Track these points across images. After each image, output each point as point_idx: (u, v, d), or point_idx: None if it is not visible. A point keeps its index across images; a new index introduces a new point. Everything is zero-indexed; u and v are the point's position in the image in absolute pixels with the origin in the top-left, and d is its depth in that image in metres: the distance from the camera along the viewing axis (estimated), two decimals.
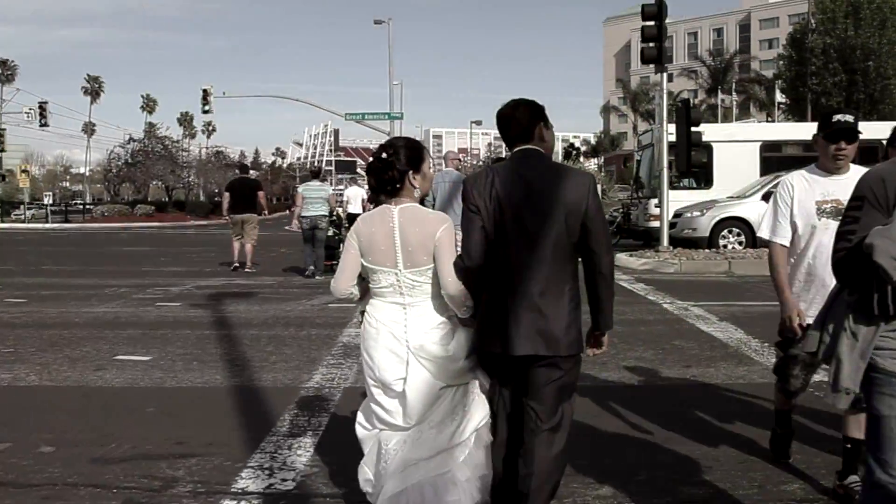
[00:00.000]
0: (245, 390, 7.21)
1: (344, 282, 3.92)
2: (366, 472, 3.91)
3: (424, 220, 3.81)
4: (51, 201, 58.31)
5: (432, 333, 3.79)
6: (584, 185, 3.73)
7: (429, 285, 3.81)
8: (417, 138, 4.96)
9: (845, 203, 4.29)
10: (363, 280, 3.97)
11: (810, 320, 4.20)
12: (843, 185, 4.44)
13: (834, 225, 4.24)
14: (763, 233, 4.90)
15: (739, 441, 5.66)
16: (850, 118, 4.59)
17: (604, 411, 6.43)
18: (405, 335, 3.79)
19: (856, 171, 4.49)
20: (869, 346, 3.01)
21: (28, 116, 48.80)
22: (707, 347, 8.95)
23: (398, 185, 3.85)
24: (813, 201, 4.70)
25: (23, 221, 50.69)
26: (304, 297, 13.21)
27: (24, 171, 51.57)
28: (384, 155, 3.87)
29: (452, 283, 3.71)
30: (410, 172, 3.86)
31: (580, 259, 3.80)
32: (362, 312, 4.02)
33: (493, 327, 3.74)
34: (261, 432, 5.87)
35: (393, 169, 3.83)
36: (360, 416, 4.02)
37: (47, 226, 47.77)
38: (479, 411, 3.88)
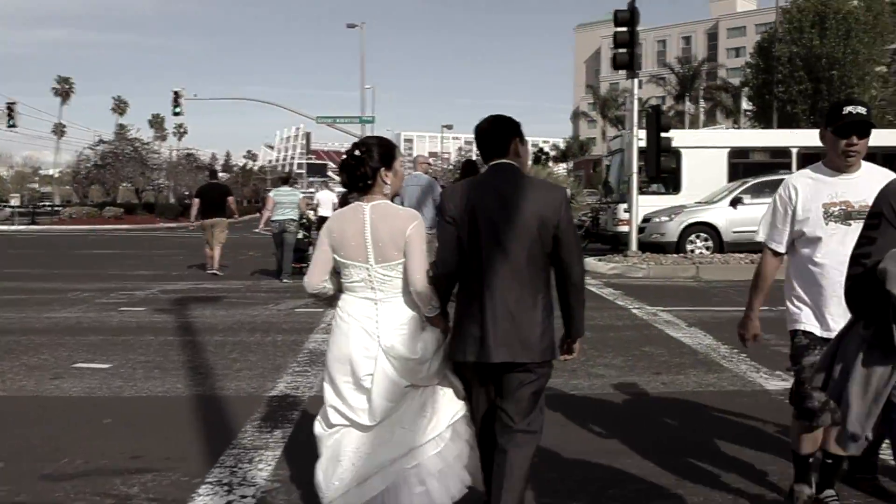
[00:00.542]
0: (207, 400, 6.97)
1: (316, 276, 4.00)
2: (324, 472, 3.89)
3: (395, 217, 3.91)
4: (18, 203, 57.41)
5: (402, 330, 3.86)
6: (557, 198, 3.87)
7: (399, 280, 3.89)
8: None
9: (855, 205, 4.03)
10: (336, 275, 4.03)
11: (827, 333, 4.01)
12: (854, 184, 4.08)
13: (843, 230, 4.04)
14: (759, 235, 4.41)
15: (711, 452, 5.50)
16: (862, 110, 4.05)
17: (573, 422, 6.25)
18: (377, 331, 3.86)
19: (868, 170, 4.16)
20: (886, 388, 2.63)
21: None
22: (676, 354, 8.82)
23: (370, 182, 3.93)
24: (819, 204, 4.13)
25: None
26: (272, 302, 12.95)
27: None
28: (357, 152, 3.96)
29: (420, 280, 3.80)
30: (382, 169, 3.95)
31: (552, 269, 3.92)
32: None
33: (469, 335, 3.81)
34: (221, 444, 5.64)
35: (365, 165, 3.91)
36: (319, 417, 4.04)
37: (13, 228, 46.90)
38: (450, 406, 3.96)
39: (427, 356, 3.87)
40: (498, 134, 3.98)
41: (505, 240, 3.77)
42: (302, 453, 5.40)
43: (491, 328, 3.75)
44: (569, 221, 3.89)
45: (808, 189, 4.19)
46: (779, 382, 7.49)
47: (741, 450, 5.52)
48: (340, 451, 3.85)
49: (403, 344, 3.83)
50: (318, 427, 3.99)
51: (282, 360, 8.48)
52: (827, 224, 4.12)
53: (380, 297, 3.90)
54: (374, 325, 3.86)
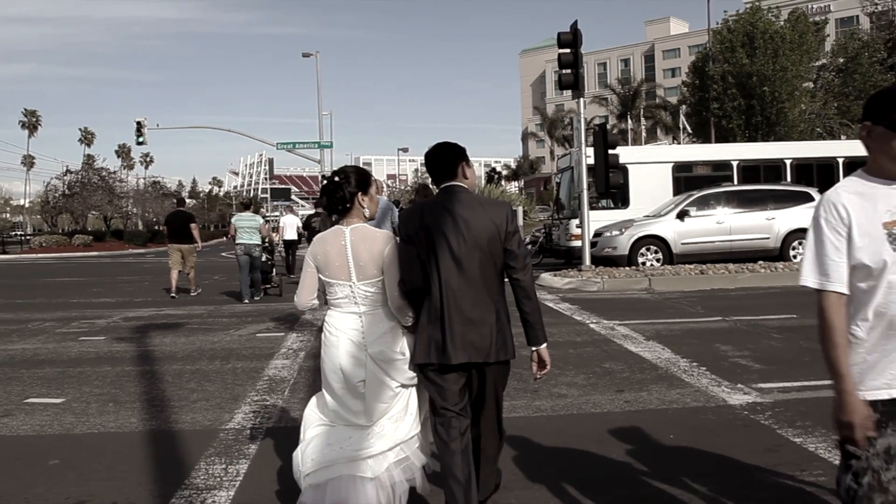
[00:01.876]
0: (160, 434, 6.37)
1: (305, 296, 4.24)
2: (307, 453, 4.06)
3: (373, 239, 4.10)
4: None
5: (386, 337, 4.07)
6: (502, 213, 4.06)
7: (380, 294, 4.08)
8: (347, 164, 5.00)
9: None
10: (323, 293, 4.24)
11: (885, 393, 2.91)
12: None
13: None
14: (807, 279, 3.02)
15: (679, 476, 5.04)
16: None
17: (537, 445, 5.77)
18: (363, 340, 4.05)
19: None
20: None
21: None
22: (637, 369, 8.37)
23: (348, 205, 4.16)
24: (879, 224, 2.92)
25: None
26: (233, 328, 12.31)
27: None
28: (336, 178, 4.19)
29: (397, 297, 4.02)
30: (359, 194, 4.16)
31: (506, 278, 4.12)
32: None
33: (432, 340, 3.99)
34: (172, 485, 5.08)
35: (343, 190, 4.14)
36: (311, 405, 4.26)
37: None
38: (424, 405, 4.19)
39: (410, 355, 4.09)
40: (445, 159, 4.19)
41: (459, 254, 3.98)
42: (256, 494, 4.87)
43: (450, 333, 3.96)
44: (514, 232, 4.06)
45: (861, 206, 2.97)
46: (741, 396, 7.09)
47: (710, 472, 5.08)
48: (327, 440, 4.05)
49: (388, 347, 4.05)
50: (310, 412, 4.21)
51: (240, 388, 7.90)
52: (894, 248, 2.94)
53: (363, 311, 4.09)
54: (360, 336, 4.06)
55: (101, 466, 5.59)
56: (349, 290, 4.07)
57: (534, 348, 4.13)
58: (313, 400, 4.30)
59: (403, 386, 4.09)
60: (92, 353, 10.26)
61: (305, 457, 4.05)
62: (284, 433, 6.26)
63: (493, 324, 4.01)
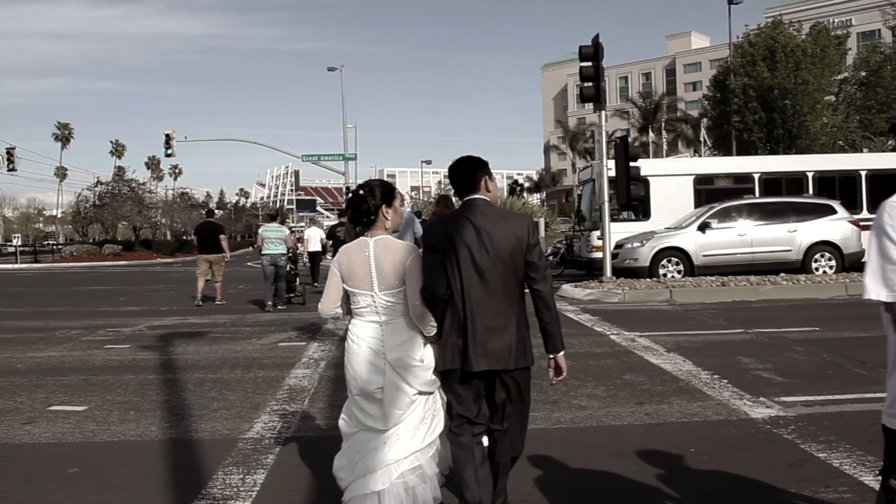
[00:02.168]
0: (179, 443, 6.30)
1: (329, 304, 4.30)
2: (341, 461, 4.22)
3: (396, 250, 4.16)
4: (20, 242, 56.33)
5: (405, 346, 4.11)
6: (524, 225, 4.16)
7: (401, 305, 4.13)
8: (373, 177, 5.19)
9: None
10: (346, 303, 4.30)
11: None
12: None
13: None
14: (875, 292, 2.87)
15: (699, 492, 4.90)
16: None
17: (555, 462, 5.63)
18: (383, 349, 4.11)
19: None
20: None
21: None
22: (658, 381, 8.22)
23: (372, 217, 4.23)
24: None
25: None
26: (255, 337, 12.26)
27: None
28: (361, 191, 4.27)
29: (419, 306, 4.07)
30: (383, 206, 4.23)
31: (526, 289, 4.16)
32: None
33: (455, 347, 4.06)
34: (189, 495, 5.00)
35: (367, 203, 4.21)
36: (343, 414, 4.34)
37: (15, 266, 45.92)
38: (442, 416, 4.22)
39: (430, 364, 4.13)
40: (468, 172, 4.27)
41: (481, 265, 4.06)
42: (274, 503, 4.79)
43: (472, 341, 4.03)
44: (535, 244, 4.15)
45: None
46: (763, 410, 6.92)
47: (731, 488, 4.94)
48: (358, 447, 4.13)
49: (406, 354, 4.10)
50: (343, 424, 4.30)
51: (261, 398, 7.82)
52: None
53: (384, 320, 4.14)
54: (380, 344, 4.13)
55: (120, 475, 5.52)
56: (371, 299, 4.15)
57: (551, 356, 4.22)
58: (344, 407, 4.38)
59: (420, 393, 4.13)
60: (116, 361, 10.24)
61: (337, 467, 4.24)
62: (303, 443, 6.18)
63: (514, 332, 4.08)
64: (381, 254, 4.14)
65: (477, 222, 4.11)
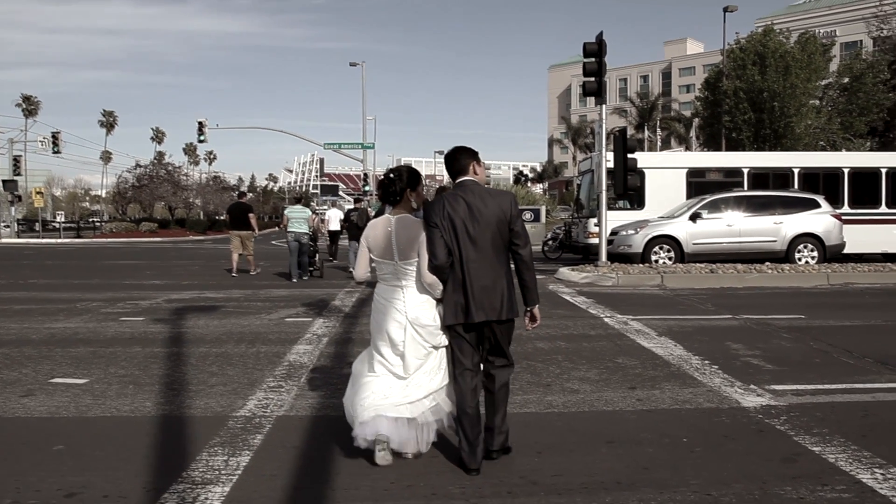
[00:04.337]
0: (171, 420, 5.72)
1: (361, 270, 4.79)
2: (350, 401, 4.63)
3: (412, 226, 4.58)
4: (63, 219, 55.93)
5: (423, 307, 4.56)
6: (507, 201, 4.64)
7: (416, 271, 4.53)
8: (390, 165, 5.16)
9: None
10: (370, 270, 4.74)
11: None
12: None
13: None
14: None
15: (693, 484, 4.30)
16: None
17: (548, 446, 5.04)
18: (404, 308, 4.54)
19: None
20: None
21: (42, 144, 46.74)
22: (650, 366, 7.61)
23: (398, 198, 4.66)
24: None
25: (38, 237, 48.18)
26: (265, 312, 11.69)
27: (38, 193, 48.88)
28: (392, 175, 4.67)
29: (427, 274, 4.48)
30: (408, 190, 4.67)
31: (510, 253, 4.64)
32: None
33: (458, 304, 4.50)
34: (169, 477, 4.43)
35: (396, 185, 4.64)
36: (359, 361, 4.80)
37: (58, 241, 45.47)
38: (449, 365, 4.64)
39: (440, 323, 4.56)
40: (461, 159, 4.69)
41: (474, 234, 4.50)
42: (253, 489, 4.22)
43: (472, 297, 4.49)
44: (517, 216, 4.61)
45: None
46: (755, 398, 6.31)
47: (725, 481, 4.34)
48: (373, 389, 4.53)
49: (424, 315, 4.54)
50: (359, 366, 4.73)
51: (259, 373, 7.25)
52: None
53: (404, 284, 4.57)
54: (402, 304, 4.55)
55: (104, 454, 4.94)
56: (393, 267, 4.58)
57: (528, 308, 4.75)
58: (362, 356, 4.82)
59: (434, 347, 4.58)
60: (128, 333, 9.68)
61: (356, 404, 4.53)
62: (293, 422, 5.62)
63: (504, 289, 4.54)
64: (400, 229, 4.55)
65: (468, 199, 4.54)
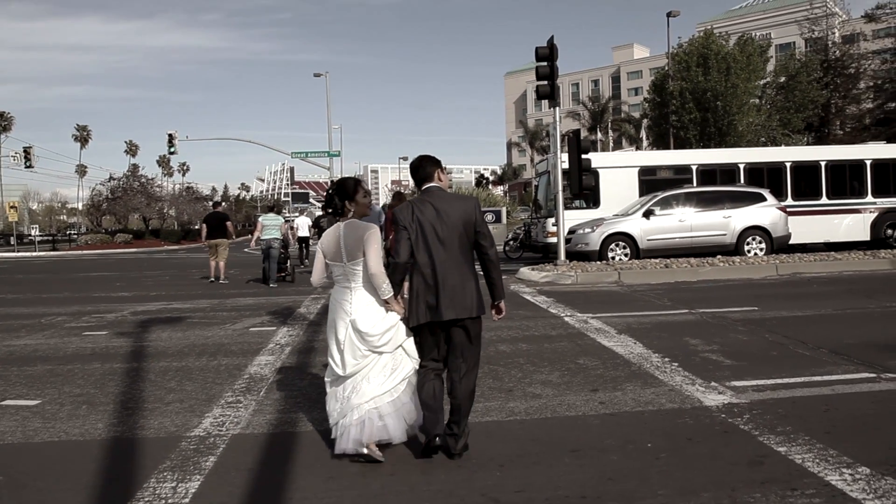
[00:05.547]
0: (121, 443, 5.22)
1: (317, 276, 4.87)
2: (331, 405, 4.66)
3: (358, 227, 4.67)
4: (38, 233, 54.33)
5: (367, 310, 4.57)
6: (471, 204, 4.71)
7: (362, 272, 4.57)
8: (358, 173, 5.52)
9: None
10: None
11: None
12: None
13: None
14: None
15: (660, 494, 3.93)
16: None
17: (511, 458, 4.64)
18: (350, 309, 4.60)
19: None
20: None
21: (14, 159, 45.39)
22: (611, 366, 7.26)
23: (341, 211, 4.75)
24: None
25: (13, 250, 46.64)
26: (230, 322, 11.14)
27: (12, 207, 47.34)
28: (331, 190, 4.83)
29: (374, 265, 4.50)
30: (346, 201, 4.75)
31: (476, 252, 4.68)
32: None
33: (427, 304, 4.50)
34: None
35: (334, 200, 4.76)
36: (327, 372, 4.77)
37: (33, 254, 44.06)
38: (406, 367, 4.60)
39: (381, 331, 4.53)
40: (426, 167, 4.77)
41: (442, 236, 4.56)
42: None
43: (442, 296, 4.49)
44: (481, 218, 4.69)
45: None
46: (716, 396, 5.99)
47: (694, 490, 3.98)
48: (336, 394, 4.61)
49: (363, 320, 4.54)
50: (327, 373, 4.75)
51: (218, 388, 6.77)
52: None
53: (353, 286, 4.62)
54: (349, 306, 4.60)
55: (45, 485, 4.44)
56: (342, 269, 4.64)
57: (495, 302, 4.80)
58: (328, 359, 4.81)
59: (371, 351, 4.54)
60: (89, 349, 9.10)
61: (329, 409, 4.66)
62: (248, 442, 5.16)
63: (472, 288, 4.57)
64: (348, 231, 4.63)
65: (435, 204, 4.62)
